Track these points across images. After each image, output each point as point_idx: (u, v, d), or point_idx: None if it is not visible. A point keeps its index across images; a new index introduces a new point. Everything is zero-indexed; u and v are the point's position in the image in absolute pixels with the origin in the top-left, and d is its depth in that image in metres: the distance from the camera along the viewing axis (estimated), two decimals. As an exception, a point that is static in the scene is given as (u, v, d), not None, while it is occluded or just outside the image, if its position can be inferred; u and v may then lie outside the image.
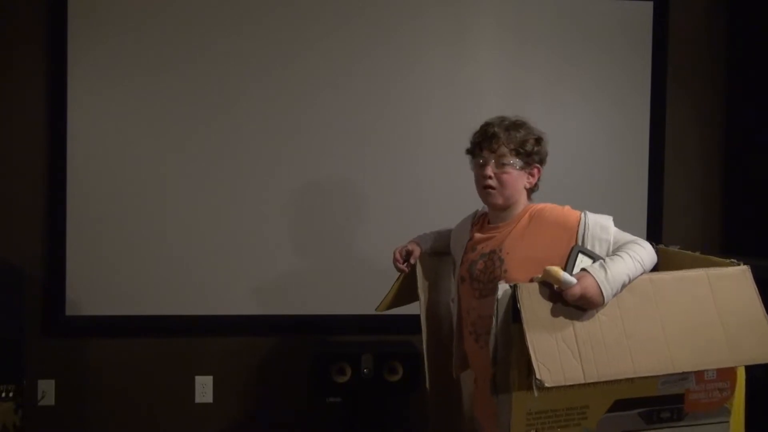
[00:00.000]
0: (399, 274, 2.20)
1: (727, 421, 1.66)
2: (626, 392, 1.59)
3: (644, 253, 1.66)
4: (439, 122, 3.16)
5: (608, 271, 1.57)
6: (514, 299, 1.55)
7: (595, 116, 3.28)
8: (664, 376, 1.59)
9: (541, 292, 1.56)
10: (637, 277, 1.61)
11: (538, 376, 1.47)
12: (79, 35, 2.94)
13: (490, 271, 1.84)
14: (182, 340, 3.07)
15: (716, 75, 3.39)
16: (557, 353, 1.51)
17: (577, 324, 1.55)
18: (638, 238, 1.73)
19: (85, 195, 2.96)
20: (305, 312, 3.09)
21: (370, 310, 3.07)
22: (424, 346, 2.15)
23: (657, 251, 1.90)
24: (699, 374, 1.63)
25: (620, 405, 1.60)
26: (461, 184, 3.09)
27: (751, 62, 3.27)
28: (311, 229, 3.12)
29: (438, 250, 2.19)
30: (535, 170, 1.89)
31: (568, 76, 3.24)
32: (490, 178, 1.86)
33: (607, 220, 1.78)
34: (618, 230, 1.77)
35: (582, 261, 1.65)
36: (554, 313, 1.55)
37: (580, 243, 1.73)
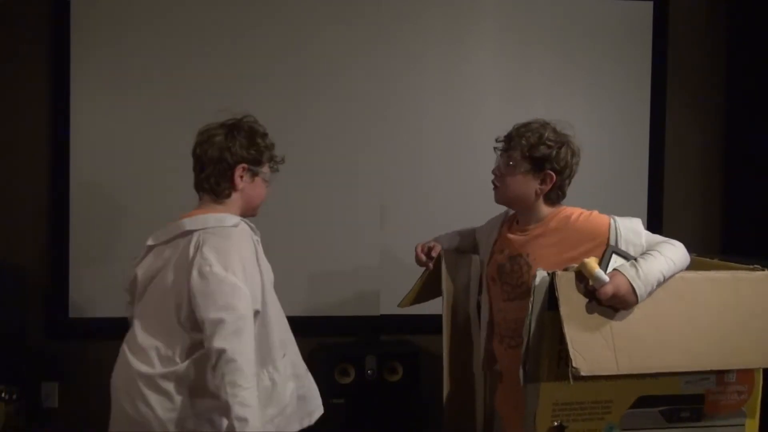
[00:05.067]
0: (423, 270, 2.21)
1: (743, 425, 1.68)
2: (651, 389, 1.62)
3: (675, 251, 1.67)
4: (440, 122, 3.16)
5: (640, 269, 1.59)
6: (551, 287, 1.56)
7: (595, 116, 3.28)
8: (688, 374, 1.61)
9: (579, 282, 1.58)
10: (672, 275, 1.63)
11: (574, 365, 1.49)
12: (81, 35, 2.95)
13: (518, 275, 1.85)
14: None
15: (716, 75, 3.40)
16: (593, 343, 1.54)
17: (613, 316, 1.58)
18: (669, 239, 1.74)
19: (88, 197, 2.97)
20: (307, 314, 3.10)
21: (371, 311, 3.11)
22: (445, 343, 2.16)
23: None
24: (720, 376, 1.65)
25: (643, 402, 1.62)
26: (462, 184, 3.12)
27: (751, 62, 3.27)
28: (312, 229, 3.12)
29: (460, 249, 2.21)
30: (548, 177, 1.85)
31: (568, 76, 3.25)
32: (495, 175, 1.92)
33: (637, 224, 1.79)
34: (648, 233, 1.78)
35: (615, 261, 1.66)
36: (590, 303, 1.58)
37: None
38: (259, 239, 1.83)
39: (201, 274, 1.63)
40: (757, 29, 3.23)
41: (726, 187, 3.40)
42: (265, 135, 1.88)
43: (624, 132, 3.30)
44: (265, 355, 1.72)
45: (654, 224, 3.30)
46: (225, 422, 1.59)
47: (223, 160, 1.79)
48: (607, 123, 3.29)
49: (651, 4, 3.30)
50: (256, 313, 1.70)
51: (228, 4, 3.04)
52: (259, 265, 1.77)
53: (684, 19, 3.36)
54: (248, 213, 1.89)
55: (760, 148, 3.21)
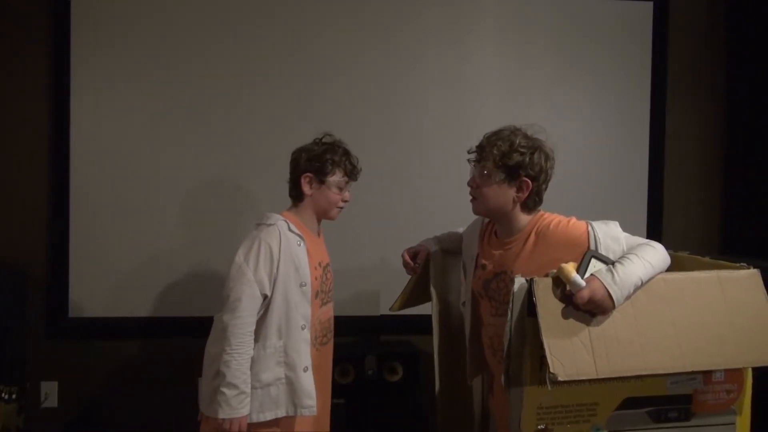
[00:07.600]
0: (410, 275, 2.21)
1: (733, 423, 1.68)
2: (636, 390, 1.61)
3: (654, 253, 1.66)
4: (439, 122, 3.17)
5: (616, 274, 1.59)
6: (529, 293, 1.57)
7: (595, 117, 3.28)
8: (673, 375, 1.61)
9: (556, 287, 1.59)
10: (651, 278, 1.62)
11: (551, 370, 1.49)
12: (82, 35, 2.95)
13: (505, 292, 1.82)
14: (185, 342, 3.07)
15: (716, 75, 3.40)
16: (571, 348, 1.53)
17: (591, 320, 1.58)
18: (649, 241, 1.73)
19: (88, 197, 2.97)
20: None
21: (371, 311, 3.11)
22: (435, 345, 2.16)
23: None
24: (707, 375, 1.65)
25: (629, 403, 1.62)
26: (462, 185, 3.11)
27: (751, 62, 3.27)
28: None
29: (448, 250, 2.20)
30: (524, 184, 1.81)
31: (569, 76, 3.25)
32: (471, 187, 1.89)
33: (614, 229, 1.76)
34: (627, 235, 1.76)
35: (595, 266, 1.65)
36: (568, 308, 1.57)
37: None
38: (300, 243, 2.06)
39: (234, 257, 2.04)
40: (757, 29, 3.23)
41: (726, 187, 3.40)
42: (335, 149, 2.14)
43: (624, 132, 3.30)
44: (259, 333, 2.02)
45: (654, 224, 3.31)
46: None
47: (294, 170, 2.14)
48: (607, 123, 3.29)
49: (651, 4, 3.30)
50: (265, 297, 2.01)
51: (228, 3, 3.05)
52: (279, 261, 2.02)
53: (684, 19, 3.36)
54: (322, 215, 2.18)
55: (760, 148, 3.21)
